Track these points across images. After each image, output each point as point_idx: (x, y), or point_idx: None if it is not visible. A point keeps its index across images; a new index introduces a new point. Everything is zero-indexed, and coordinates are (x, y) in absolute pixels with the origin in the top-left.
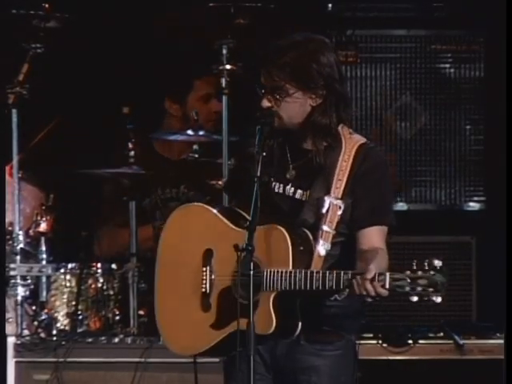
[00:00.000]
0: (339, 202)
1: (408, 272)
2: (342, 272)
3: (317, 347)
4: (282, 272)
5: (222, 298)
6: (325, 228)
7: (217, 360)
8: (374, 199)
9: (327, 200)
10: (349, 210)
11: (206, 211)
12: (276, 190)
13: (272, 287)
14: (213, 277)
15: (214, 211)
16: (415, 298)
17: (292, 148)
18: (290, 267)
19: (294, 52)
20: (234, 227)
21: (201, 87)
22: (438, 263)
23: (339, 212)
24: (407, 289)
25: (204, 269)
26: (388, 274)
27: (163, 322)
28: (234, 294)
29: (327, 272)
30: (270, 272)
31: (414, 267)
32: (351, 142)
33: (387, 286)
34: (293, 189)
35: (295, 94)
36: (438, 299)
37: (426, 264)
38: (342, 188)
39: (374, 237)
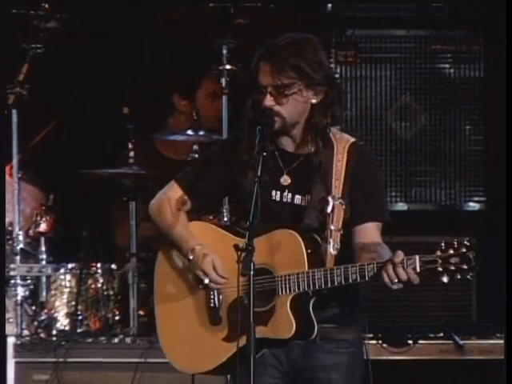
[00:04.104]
0: (342, 201)
1: (438, 252)
2: (366, 263)
3: (333, 345)
4: (299, 274)
5: (234, 310)
6: (332, 228)
7: None
8: (372, 196)
9: (331, 200)
10: (348, 207)
11: (202, 226)
12: (273, 198)
13: (289, 290)
14: (220, 290)
15: (211, 225)
16: (446, 279)
17: (282, 154)
18: (306, 269)
19: (296, 48)
20: (234, 237)
21: (208, 85)
22: (467, 241)
23: (342, 211)
24: (439, 269)
25: None
26: (417, 257)
27: (168, 343)
28: (245, 302)
29: (349, 266)
30: (286, 276)
31: (443, 247)
32: (342, 141)
33: (418, 270)
34: (290, 195)
35: (302, 90)
36: (471, 275)
37: (455, 243)
38: (341, 187)
39: (373, 232)
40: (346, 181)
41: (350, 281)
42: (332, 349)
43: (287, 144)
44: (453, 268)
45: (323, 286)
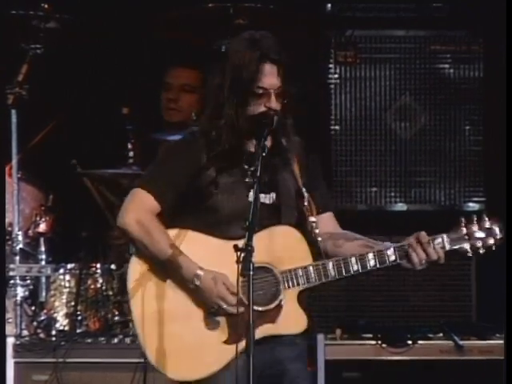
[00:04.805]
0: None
1: (463, 229)
2: (384, 248)
3: (290, 337)
4: (307, 266)
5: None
6: (313, 219)
7: None
8: (323, 188)
9: (305, 194)
10: None
11: (183, 234)
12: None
13: (297, 284)
14: None
15: (190, 231)
16: (471, 253)
17: (246, 153)
18: (312, 262)
19: (279, 44)
20: (218, 240)
21: (164, 78)
22: (486, 215)
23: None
24: (466, 246)
25: None
26: (445, 236)
27: (159, 351)
28: (246, 301)
29: (365, 254)
30: (292, 270)
31: (464, 223)
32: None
33: (447, 248)
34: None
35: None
36: (495, 247)
37: (474, 217)
38: (300, 181)
39: (334, 221)
40: (302, 175)
41: (368, 268)
42: (289, 341)
43: (249, 144)
44: (480, 243)
45: (337, 277)
